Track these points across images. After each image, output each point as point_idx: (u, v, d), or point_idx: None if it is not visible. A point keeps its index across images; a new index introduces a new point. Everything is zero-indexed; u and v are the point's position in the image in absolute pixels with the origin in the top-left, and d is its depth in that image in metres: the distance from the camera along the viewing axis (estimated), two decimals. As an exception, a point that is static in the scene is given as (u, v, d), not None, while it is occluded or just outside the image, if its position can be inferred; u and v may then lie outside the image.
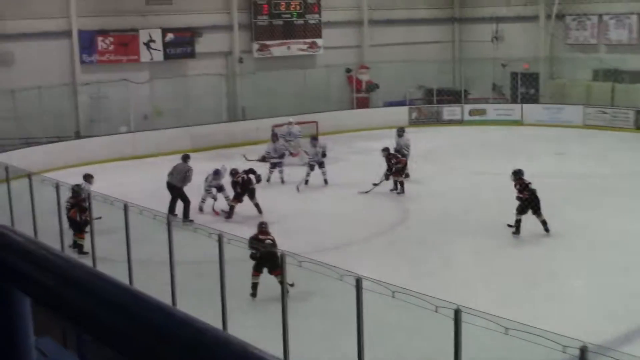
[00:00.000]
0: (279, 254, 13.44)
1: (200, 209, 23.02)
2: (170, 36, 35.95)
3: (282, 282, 14.46)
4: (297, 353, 11.60)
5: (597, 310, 14.61)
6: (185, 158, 23.09)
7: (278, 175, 26.68)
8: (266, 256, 15.11)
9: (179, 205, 21.85)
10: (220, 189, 22.95)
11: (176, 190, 22.07)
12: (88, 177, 21.57)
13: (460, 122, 38.77)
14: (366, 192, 24.68)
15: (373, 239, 19.55)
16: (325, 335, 13.74)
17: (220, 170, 22.92)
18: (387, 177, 24.69)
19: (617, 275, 16.43)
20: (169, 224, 13.61)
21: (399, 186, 24.71)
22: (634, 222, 20.09)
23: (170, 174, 22.45)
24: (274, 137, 28.30)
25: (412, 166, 25.62)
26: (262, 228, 16.28)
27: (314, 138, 27.06)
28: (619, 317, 14.24)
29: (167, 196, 22.35)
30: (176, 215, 20.78)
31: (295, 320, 12.13)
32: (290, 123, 30.75)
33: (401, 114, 38.76)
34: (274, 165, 26.83)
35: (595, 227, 19.89)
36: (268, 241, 15.76)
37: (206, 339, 1.59)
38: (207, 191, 23.02)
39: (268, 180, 25.93)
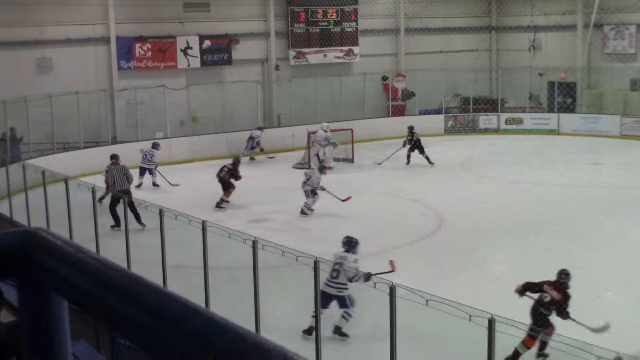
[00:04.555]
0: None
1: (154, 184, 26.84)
2: (207, 43, 36.12)
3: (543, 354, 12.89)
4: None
5: (631, 321, 14.47)
6: (115, 157, 22.95)
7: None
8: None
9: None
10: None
11: (126, 193, 20.82)
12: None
13: (497, 131, 38.61)
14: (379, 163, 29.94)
15: (407, 247, 19.49)
16: (358, 343, 13.73)
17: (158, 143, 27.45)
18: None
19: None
20: (203, 229, 13.65)
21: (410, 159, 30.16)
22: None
23: (114, 183, 21.76)
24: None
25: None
26: (563, 278, 13.22)
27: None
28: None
29: (203, 199, 22.55)
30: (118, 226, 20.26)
31: (328, 328, 12.14)
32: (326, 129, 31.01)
33: (437, 122, 38.72)
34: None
35: (631, 238, 19.70)
36: (546, 296, 12.95)
37: (247, 344, 1.59)
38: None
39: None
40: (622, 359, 8.23)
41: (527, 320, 11.27)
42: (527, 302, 13.51)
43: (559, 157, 31.02)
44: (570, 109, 39.32)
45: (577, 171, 27.56)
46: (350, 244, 14.65)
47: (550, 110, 39.49)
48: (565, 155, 31.53)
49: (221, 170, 24.36)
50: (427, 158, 30.11)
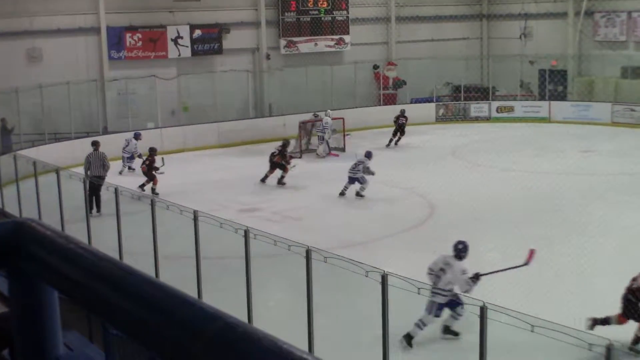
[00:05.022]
0: None
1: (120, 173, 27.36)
2: (197, 32, 36.04)
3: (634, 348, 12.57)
4: (321, 349, 11.61)
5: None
6: (95, 144, 23.49)
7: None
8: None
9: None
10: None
11: (101, 180, 21.85)
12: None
13: (488, 119, 38.65)
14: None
15: (399, 235, 19.50)
16: (350, 331, 13.74)
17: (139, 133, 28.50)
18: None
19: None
20: (195, 219, 13.64)
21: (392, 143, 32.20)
22: (662, 220, 19.93)
23: (89, 168, 22.50)
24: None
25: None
26: None
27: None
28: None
29: (195, 191, 22.52)
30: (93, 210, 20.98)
31: (320, 315, 12.13)
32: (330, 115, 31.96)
33: (428, 110, 38.72)
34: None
35: (622, 225, 19.73)
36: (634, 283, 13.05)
37: (237, 333, 1.60)
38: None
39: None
40: (614, 347, 8.24)
41: (519, 307, 11.22)
42: (521, 289, 13.55)
43: (550, 144, 31.06)
44: (561, 96, 39.35)
45: (568, 159, 27.58)
46: (459, 250, 13.36)
47: (542, 98, 39.51)
48: (556, 142, 31.56)
49: (273, 155, 25.67)
50: (397, 141, 32.44)
